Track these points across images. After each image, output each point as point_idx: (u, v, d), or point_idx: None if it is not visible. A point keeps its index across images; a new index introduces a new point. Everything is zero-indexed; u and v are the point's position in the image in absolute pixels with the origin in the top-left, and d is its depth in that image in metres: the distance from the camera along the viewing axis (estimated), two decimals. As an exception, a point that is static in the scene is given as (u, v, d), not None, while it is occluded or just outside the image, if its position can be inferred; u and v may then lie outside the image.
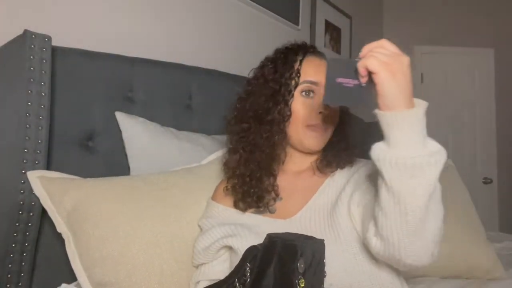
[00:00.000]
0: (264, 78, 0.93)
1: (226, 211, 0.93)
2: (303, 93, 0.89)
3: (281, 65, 0.91)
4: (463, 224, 1.31)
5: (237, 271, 0.62)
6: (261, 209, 0.89)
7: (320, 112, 0.87)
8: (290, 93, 0.89)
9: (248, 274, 0.61)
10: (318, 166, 0.92)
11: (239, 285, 0.58)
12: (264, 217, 0.89)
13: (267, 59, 0.96)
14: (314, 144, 0.89)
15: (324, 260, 0.67)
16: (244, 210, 0.90)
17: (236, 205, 0.91)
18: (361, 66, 0.62)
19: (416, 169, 0.60)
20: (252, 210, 0.90)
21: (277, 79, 0.90)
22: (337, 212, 0.82)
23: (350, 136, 0.95)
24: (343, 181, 0.88)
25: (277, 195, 0.91)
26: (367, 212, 0.74)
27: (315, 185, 0.90)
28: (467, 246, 1.25)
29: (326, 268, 0.72)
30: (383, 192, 0.64)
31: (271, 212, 0.89)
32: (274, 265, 0.55)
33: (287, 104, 0.88)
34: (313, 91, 0.89)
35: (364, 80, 0.63)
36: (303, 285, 0.56)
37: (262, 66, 0.96)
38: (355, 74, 0.63)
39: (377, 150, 0.64)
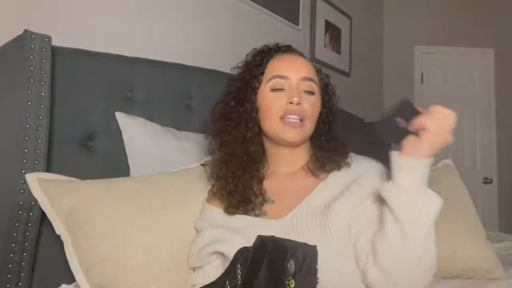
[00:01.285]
0: (234, 79, 0.96)
1: (219, 213, 0.92)
2: (273, 89, 0.89)
3: (250, 65, 0.94)
4: (463, 224, 1.31)
5: (228, 273, 0.62)
6: (250, 212, 0.88)
7: (290, 102, 0.86)
8: (255, 90, 0.91)
9: (239, 276, 0.61)
10: (310, 168, 0.91)
11: (230, 287, 0.58)
12: (256, 218, 0.88)
13: (242, 62, 0.98)
14: (290, 135, 0.87)
15: (317, 266, 0.67)
16: (232, 214, 0.89)
17: (225, 209, 0.91)
18: (421, 120, 0.73)
19: (425, 207, 0.71)
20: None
21: (244, 78, 0.93)
22: (332, 215, 0.81)
23: (340, 135, 0.95)
24: (340, 184, 0.87)
25: (264, 199, 0.90)
26: (367, 232, 0.79)
27: (309, 186, 0.89)
28: (467, 246, 1.25)
29: (319, 271, 0.72)
30: (390, 224, 0.72)
31: (261, 215, 0.88)
32: (264, 265, 0.55)
33: (251, 101, 0.90)
34: (283, 88, 0.88)
35: (412, 128, 0.74)
36: (293, 286, 0.56)
37: (237, 68, 0.99)
38: (410, 119, 0.75)
39: (388, 191, 0.74)
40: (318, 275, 0.71)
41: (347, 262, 0.77)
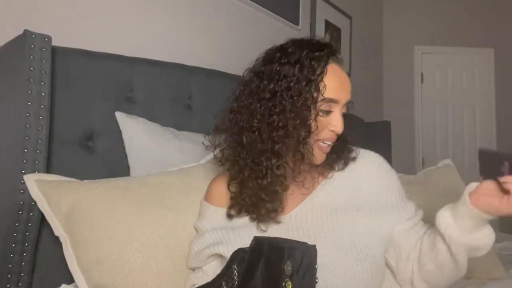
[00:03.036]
0: (283, 78, 0.78)
1: (217, 212, 0.90)
2: (321, 112, 0.78)
3: (304, 67, 0.78)
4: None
5: (224, 274, 0.62)
6: (265, 222, 0.83)
7: (331, 130, 0.80)
8: (310, 110, 0.77)
9: (236, 276, 0.60)
10: (318, 169, 0.87)
11: (226, 285, 0.58)
12: (272, 225, 0.84)
13: (284, 51, 0.82)
14: (319, 159, 0.82)
15: (316, 266, 0.66)
16: (238, 216, 0.86)
17: (234, 211, 0.86)
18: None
19: (482, 246, 0.75)
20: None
21: (299, 87, 0.77)
22: (345, 217, 0.80)
23: (347, 139, 0.89)
24: (345, 186, 0.85)
25: (282, 208, 0.83)
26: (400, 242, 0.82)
27: (314, 182, 0.87)
28: (467, 246, 1.25)
29: (325, 270, 0.71)
30: (446, 260, 0.76)
31: (277, 222, 0.82)
32: (261, 267, 0.55)
33: (306, 120, 0.77)
34: (331, 110, 0.80)
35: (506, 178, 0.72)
36: (290, 287, 0.56)
37: (277, 61, 0.80)
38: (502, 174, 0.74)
39: (451, 232, 0.74)
40: (324, 274, 0.71)
41: (356, 265, 0.74)
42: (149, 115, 1.24)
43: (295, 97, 0.77)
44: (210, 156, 1.19)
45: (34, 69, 0.90)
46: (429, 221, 0.83)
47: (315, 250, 0.67)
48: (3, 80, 0.98)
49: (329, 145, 0.82)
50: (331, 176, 0.87)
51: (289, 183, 0.82)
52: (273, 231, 0.81)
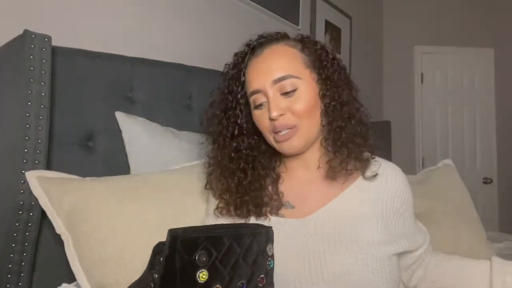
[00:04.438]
0: (223, 89, 0.90)
1: (223, 209, 0.87)
2: (255, 107, 0.83)
3: (232, 77, 0.88)
4: (463, 224, 1.31)
5: (152, 267, 0.62)
6: (263, 217, 0.82)
7: (270, 119, 0.80)
8: (242, 112, 0.86)
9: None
10: (327, 174, 0.83)
11: (158, 277, 0.58)
12: (275, 217, 0.83)
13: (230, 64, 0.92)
14: (288, 150, 0.82)
15: (268, 249, 0.66)
16: (243, 221, 0.84)
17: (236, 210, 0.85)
18: None
19: None
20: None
21: (231, 95, 0.88)
22: (366, 226, 0.79)
23: (351, 141, 0.81)
24: (372, 192, 0.82)
25: (281, 202, 0.84)
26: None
27: (331, 192, 0.83)
28: (467, 246, 1.25)
29: (342, 279, 0.72)
30: None
31: (279, 216, 0.83)
32: (176, 260, 0.54)
33: (240, 123, 0.86)
34: (262, 102, 0.81)
35: None
36: (205, 277, 0.55)
37: (226, 71, 0.92)
38: None
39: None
40: (341, 283, 0.71)
41: (372, 275, 0.73)
42: (149, 115, 1.24)
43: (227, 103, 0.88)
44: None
45: (34, 69, 0.90)
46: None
47: (266, 232, 0.66)
48: (3, 80, 0.98)
49: (285, 132, 0.80)
50: (351, 186, 0.84)
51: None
52: (290, 232, 0.79)
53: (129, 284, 0.81)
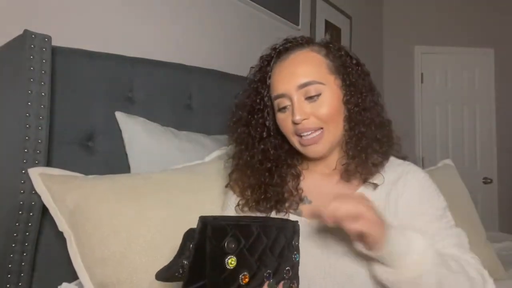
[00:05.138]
0: (250, 92, 0.92)
1: (245, 205, 0.89)
2: (279, 110, 0.85)
3: (259, 80, 0.90)
4: (463, 224, 1.31)
5: (182, 253, 0.63)
6: (283, 213, 0.84)
7: (294, 123, 0.81)
8: (269, 114, 0.88)
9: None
10: (342, 175, 0.84)
11: (188, 263, 0.59)
12: (289, 216, 0.84)
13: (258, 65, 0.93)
14: (311, 153, 0.84)
15: (295, 243, 0.68)
16: (265, 212, 0.85)
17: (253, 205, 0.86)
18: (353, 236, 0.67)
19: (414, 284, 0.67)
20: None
21: (258, 98, 0.89)
22: None
23: (370, 147, 0.83)
24: (383, 201, 0.81)
25: (300, 198, 0.86)
26: None
27: (350, 190, 0.83)
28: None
29: (350, 282, 0.72)
30: None
31: (298, 215, 0.84)
32: (206, 246, 0.56)
33: (268, 125, 0.88)
34: (286, 106, 0.83)
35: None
36: (234, 263, 0.57)
37: (252, 73, 0.94)
38: None
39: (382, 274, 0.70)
40: (349, 285, 0.72)
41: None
42: (149, 115, 1.24)
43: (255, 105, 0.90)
44: (214, 153, 1.19)
45: (34, 69, 0.90)
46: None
47: (293, 227, 0.68)
48: (3, 80, 0.98)
49: (310, 135, 0.81)
50: (368, 185, 0.84)
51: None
52: (304, 231, 0.79)
53: (131, 282, 0.81)
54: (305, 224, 0.80)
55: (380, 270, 0.69)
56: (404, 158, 0.92)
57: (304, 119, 0.80)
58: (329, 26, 2.65)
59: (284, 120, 0.85)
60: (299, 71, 0.82)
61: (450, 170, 1.52)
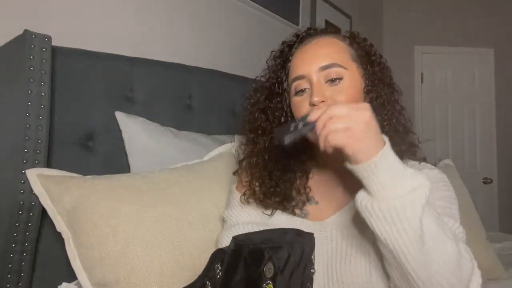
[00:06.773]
0: (268, 75, 0.89)
1: (251, 196, 0.86)
2: (296, 93, 0.81)
3: (278, 64, 0.88)
4: (463, 224, 1.31)
5: (206, 274, 0.60)
6: (289, 211, 0.82)
7: (312, 104, 0.76)
8: (287, 100, 0.85)
9: (219, 275, 0.59)
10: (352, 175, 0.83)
11: (211, 284, 0.57)
12: (295, 217, 0.82)
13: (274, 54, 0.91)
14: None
15: (312, 257, 0.64)
16: (269, 213, 0.83)
17: (263, 209, 0.84)
18: (325, 146, 0.60)
19: (394, 215, 0.58)
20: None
21: (277, 81, 0.87)
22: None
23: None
24: None
25: (307, 198, 0.83)
26: None
27: (355, 190, 0.82)
28: (467, 246, 1.25)
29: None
30: (380, 247, 0.64)
31: (303, 216, 0.82)
32: (239, 271, 0.53)
33: (286, 109, 0.85)
34: (304, 88, 0.79)
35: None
36: None
37: (272, 57, 0.90)
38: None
39: (360, 199, 0.62)
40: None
41: (382, 281, 0.72)
42: (149, 115, 1.24)
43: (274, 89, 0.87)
44: (213, 153, 1.19)
45: (34, 69, 0.90)
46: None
47: (311, 240, 0.64)
48: (3, 80, 0.98)
49: None
50: None
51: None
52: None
53: (129, 282, 0.80)
54: (310, 228, 0.77)
55: (360, 196, 0.63)
56: (423, 160, 0.89)
57: (322, 101, 0.75)
58: (329, 26, 2.65)
59: (299, 103, 0.80)
60: (321, 53, 0.80)
61: (450, 170, 1.52)
